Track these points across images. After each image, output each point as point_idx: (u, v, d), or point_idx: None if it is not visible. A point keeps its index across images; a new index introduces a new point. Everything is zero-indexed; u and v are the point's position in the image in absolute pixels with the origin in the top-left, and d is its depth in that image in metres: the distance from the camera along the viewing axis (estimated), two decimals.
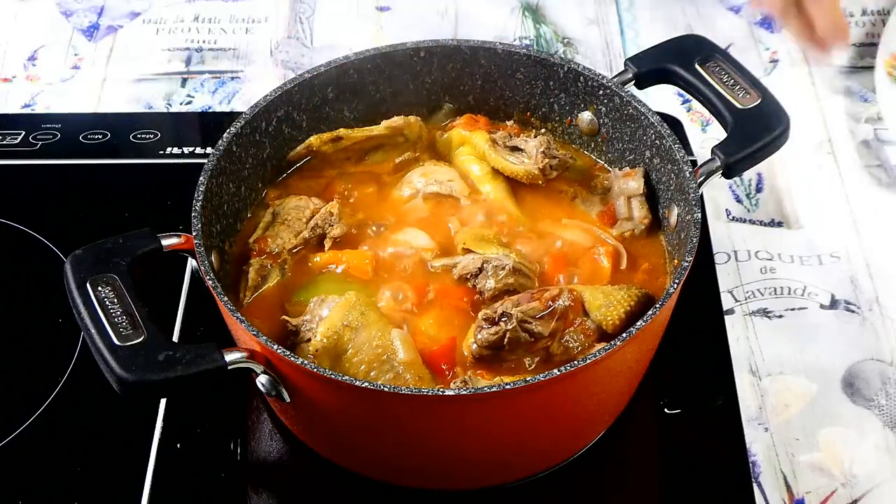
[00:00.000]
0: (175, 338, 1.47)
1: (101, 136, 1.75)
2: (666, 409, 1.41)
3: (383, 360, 1.26)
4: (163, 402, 1.42)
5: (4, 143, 1.73)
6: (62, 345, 1.47)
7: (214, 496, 1.36)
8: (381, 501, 1.35)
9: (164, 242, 1.28)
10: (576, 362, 1.17)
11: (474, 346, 1.28)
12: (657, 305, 1.22)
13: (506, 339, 1.27)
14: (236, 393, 1.43)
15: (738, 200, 1.70)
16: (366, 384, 1.17)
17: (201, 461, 1.38)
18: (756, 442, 1.42)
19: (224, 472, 1.38)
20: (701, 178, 1.34)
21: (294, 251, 1.40)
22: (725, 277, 1.59)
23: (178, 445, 1.39)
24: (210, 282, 1.24)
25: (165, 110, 1.85)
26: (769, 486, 1.38)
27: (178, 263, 1.49)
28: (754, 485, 1.37)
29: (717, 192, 1.70)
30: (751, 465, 1.39)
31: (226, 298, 1.23)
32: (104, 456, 1.38)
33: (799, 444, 1.42)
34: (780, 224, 1.67)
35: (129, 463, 1.36)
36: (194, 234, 1.28)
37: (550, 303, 1.29)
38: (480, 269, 1.34)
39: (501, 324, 1.27)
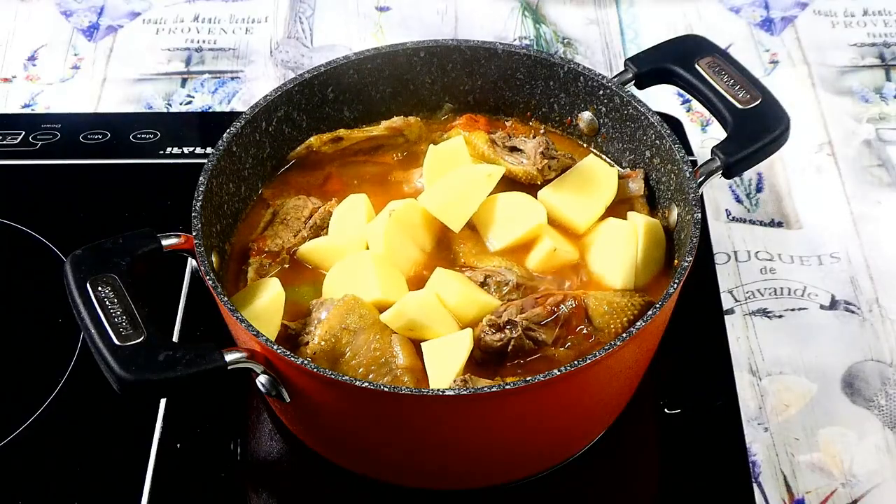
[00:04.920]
0: (175, 338, 1.47)
1: (101, 136, 1.75)
2: (666, 409, 1.41)
3: (381, 362, 1.26)
4: (163, 402, 1.42)
5: (4, 143, 1.73)
6: (62, 345, 1.47)
7: (214, 496, 1.36)
8: (381, 501, 1.35)
9: (164, 242, 1.28)
10: (576, 362, 1.17)
11: (476, 350, 1.28)
12: (657, 305, 1.22)
13: (510, 347, 1.27)
14: (236, 393, 1.43)
15: (738, 200, 1.70)
16: (366, 384, 1.17)
17: (201, 461, 1.38)
18: (756, 442, 1.42)
19: (224, 472, 1.38)
20: (701, 178, 1.34)
21: (293, 251, 1.40)
22: (725, 277, 1.59)
23: (178, 445, 1.39)
24: (210, 282, 1.24)
25: (165, 110, 1.85)
26: (769, 486, 1.38)
27: (178, 263, 1.49)
28: (754, 485, 1.37)
29: (717, 192, 1.70)
30: (751, 465, 1.39)
31: (226, 298, 1.23)
32: (104, 456, 1.38)
33: (799, 444, 1.42)
34: (780, 224, 1.67)
35: (129, 463, 1.36)
36: (194, 234, 1.28)
37: (554, 308, 1.29)
38: (483, 284, 1.34)
39: (507, 331, 1.27)
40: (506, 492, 1.33)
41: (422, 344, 1.27)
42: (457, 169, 1.39)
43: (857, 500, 1.37)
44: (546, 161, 1.43)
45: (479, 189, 1.36)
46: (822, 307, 1.56)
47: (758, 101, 1.39)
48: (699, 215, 1.29)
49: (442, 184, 1.37)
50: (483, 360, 1.28)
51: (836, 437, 1.43)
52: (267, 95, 1.44)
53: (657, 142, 1.41)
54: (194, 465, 1.38)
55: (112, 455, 1.38)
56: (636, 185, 1.43)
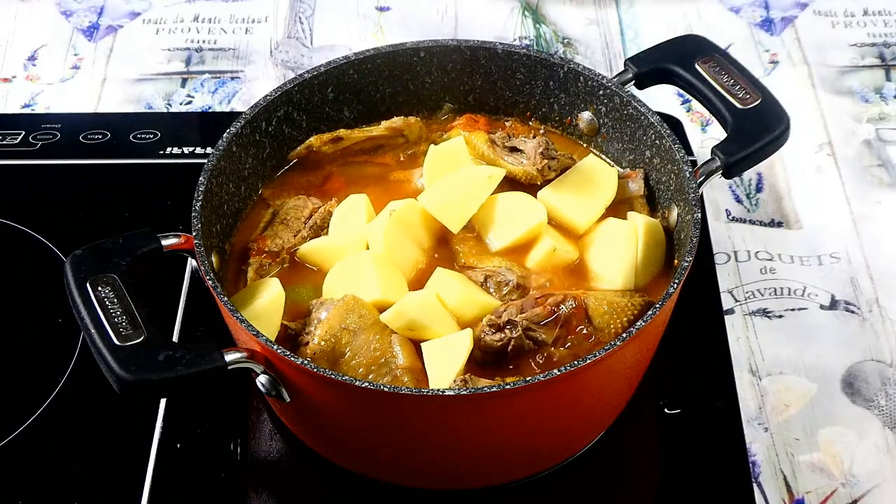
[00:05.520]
0: (175, 338, 1.47)
1: (101, 136, 1.74)
2: (666, 409, 1.41)
3: (381, 363, 1.26)
4: (163, 402, 1.42)
5: (4, 143, 1.73)
6: (62, 345, 1.47)
7: (214, 496, 1.36)
8: (381, 501, 1.35)
9: (164, 242, 1.28)
10: (576, 362, 1.17)
11: (476, 350, 1.28)
12: (657, 305, 1.22)
13: (510, 347, 1.27)
14: (236, 393, 1.43)
15: (738, 200, 1.70)
16: (366, 384, 1.17)
17: (201, 461, 1.38)
18: (756, 442, 1.42)
19: (224, 472, 1.38)
20: (701, 179, 1.34)
21: (293, 251, 1.40)
22: (725, 277, 1.59)
23: (178, 445, 1.38)
24: (210, 282, 1.24)
25: (165, 110, 1.85)
26: (769, 486, 1.38)
27: (178, 263, 1.49)
28: (754, 485, 1.37)
29: (717, 192, 1.70)
30: (751, 465, 1.39)
31: (226, 299, 1.23)
32: (104, 456, 1.38)
33: (799, 444, 1.42)
34: (780, 224, 1.67)
35: (129, 463, 1.36)
36: (194, 234, 1.28)
37: (554, 308, 1.29)
38: (483, 284, 1.34)
39: (507, 331, 1.27)
40: (506, 492, 1.33)
41: (422, 344, 1.27)
42: (457, 170, 1.39)
43: (857, 500, 1.37)
44: (546, 161, 1.43)
45: (479, 190, 1.36)
46: (822, 307, 1.56)
47: (758, 101, 1.39)
48: (699, 215, 1.29)
49: (442, 184, 1.37)
50: (483, 360, 1.28)
51: (836, 437, 1.43)
52: (267, 95, 1.44)
53: (657, 142, 1.41)
54: (194, 465, 1.38)
55: (112, 455, 1.38)
56: (636, 185, 1.43)
